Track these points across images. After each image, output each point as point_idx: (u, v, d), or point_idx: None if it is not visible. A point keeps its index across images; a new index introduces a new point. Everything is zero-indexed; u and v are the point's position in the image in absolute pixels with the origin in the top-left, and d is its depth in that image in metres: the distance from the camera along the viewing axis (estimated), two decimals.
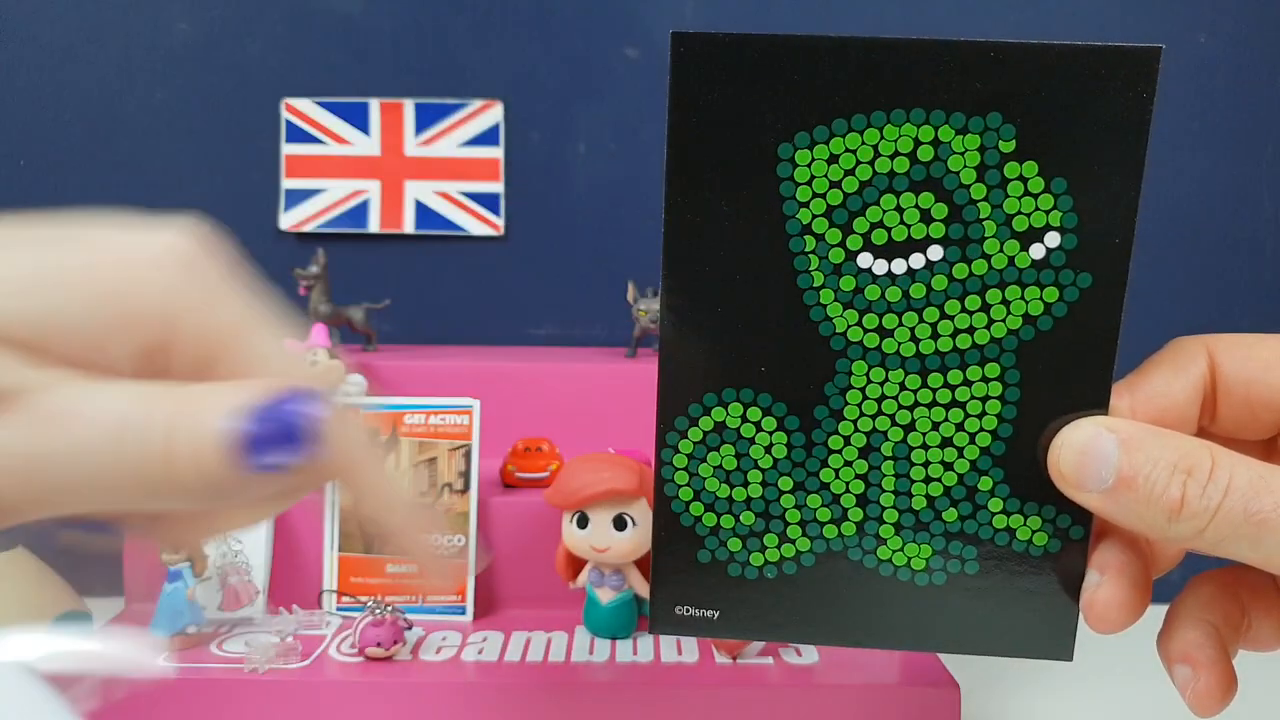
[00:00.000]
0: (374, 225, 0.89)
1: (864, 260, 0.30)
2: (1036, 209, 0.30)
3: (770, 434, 0.32)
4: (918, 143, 0.29)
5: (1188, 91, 0.86)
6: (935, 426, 0.32)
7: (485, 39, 0.88)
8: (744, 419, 0.32)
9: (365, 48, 0.88)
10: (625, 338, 0.84)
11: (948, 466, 0.32)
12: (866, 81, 0.29)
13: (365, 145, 0.89)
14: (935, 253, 0.30)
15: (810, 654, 0.61)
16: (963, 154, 0.29)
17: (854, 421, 0.32)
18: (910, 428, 0.32)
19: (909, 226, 0.30)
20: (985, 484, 0.32)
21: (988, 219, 0.30)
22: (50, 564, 0.65)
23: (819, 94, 0.29)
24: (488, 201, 0.89)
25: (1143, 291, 0.88)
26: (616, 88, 0.88)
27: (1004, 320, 0.31)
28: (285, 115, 0.88)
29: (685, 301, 0.31)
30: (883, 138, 0.29)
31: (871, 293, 0.30)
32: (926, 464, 0.32)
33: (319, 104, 0.88)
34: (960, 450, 0.32)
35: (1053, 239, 0.30)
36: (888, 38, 0.29)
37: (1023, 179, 0.29)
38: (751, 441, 0.32)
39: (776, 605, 0.34)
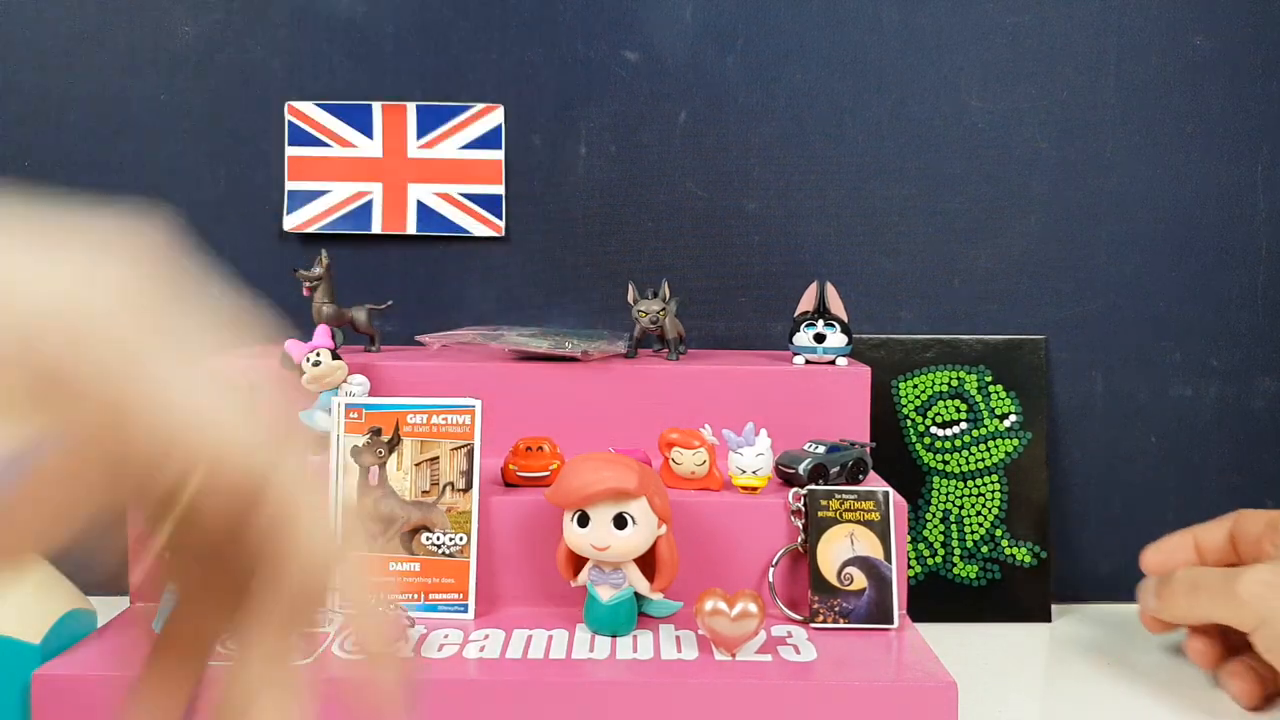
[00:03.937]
0: (376, 227, 0.90)
1: (934, 430, 0.84)
2: (1004, 404, 0.84)
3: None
4: (951, 379, 0.85)
5: (1183, 94, 0.87)
6: (973, 506, 0.82)
7: (486, 42, 0.88)
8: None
9: (368, 51, 0.89)
10: (625, 338, 0.85)
11: (981, 524, 0.82)
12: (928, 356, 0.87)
13: (368, 148, 0.89)
14: (964, 425, 0.84)
15: (809, 652, 0.61)
16: (972, 381, 0.85)
17: (936, 504, 0.83)
18: (962, 507, 0.82)
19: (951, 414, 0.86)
20: (999, 532, 0.81)
21: (984, 409, 0.84)
22: (55, 563, 0.65)
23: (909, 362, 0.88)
24: (489, 203, 0.90)
25: (1140, 293, 0.88)
26: (616, 91, 0.88)
27: (995, 455, 0.83)
28: (288, 118, 0.89)
29: None
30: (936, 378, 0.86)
31: (939, 444, 0.84)
32: (972, 524, 0.82)
33: (322, 107, 0.89)
34: (986, 516, 0.82)
35: (1012, 418, 0.84)
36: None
37: (997, 393, 0.85)
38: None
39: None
